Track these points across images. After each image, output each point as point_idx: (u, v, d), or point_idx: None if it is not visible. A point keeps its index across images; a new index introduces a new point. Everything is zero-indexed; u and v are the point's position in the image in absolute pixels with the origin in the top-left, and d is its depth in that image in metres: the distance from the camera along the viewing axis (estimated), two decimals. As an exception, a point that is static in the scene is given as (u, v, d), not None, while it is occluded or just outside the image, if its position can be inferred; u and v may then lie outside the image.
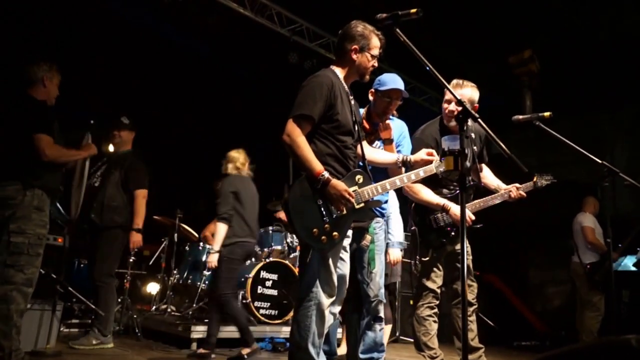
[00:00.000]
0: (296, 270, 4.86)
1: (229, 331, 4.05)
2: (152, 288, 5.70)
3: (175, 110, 7.13)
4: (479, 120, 1.77)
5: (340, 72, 2.44)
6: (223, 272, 3.72)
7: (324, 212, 2.21)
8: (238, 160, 4.02)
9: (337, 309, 2.41)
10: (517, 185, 3.19)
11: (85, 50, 5.81)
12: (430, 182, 3.00)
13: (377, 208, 2.93)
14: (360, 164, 2.50)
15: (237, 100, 7.14)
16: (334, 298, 2.31)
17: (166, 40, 6.33)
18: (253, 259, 5.11)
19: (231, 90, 6.99)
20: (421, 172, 2.56)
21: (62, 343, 3.70)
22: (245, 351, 3.61)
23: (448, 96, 2.98)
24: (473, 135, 3.02)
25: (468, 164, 2.72)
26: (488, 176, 3.36)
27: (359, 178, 2.34)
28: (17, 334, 2.68)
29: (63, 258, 3.74)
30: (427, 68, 1.88)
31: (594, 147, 2.82)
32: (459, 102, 1.80)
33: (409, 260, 5.93)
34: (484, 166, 3.34)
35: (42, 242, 2.82)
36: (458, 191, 3.07)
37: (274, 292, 4.67)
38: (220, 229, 3.71)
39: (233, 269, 3.80)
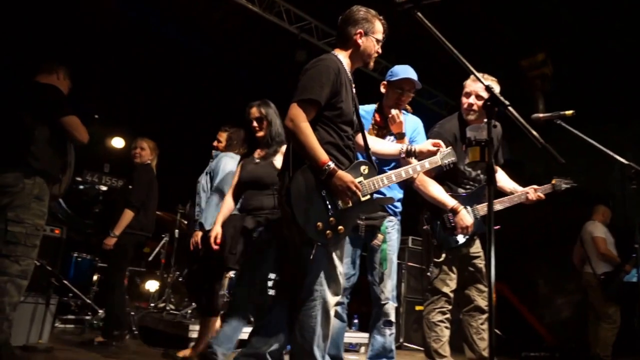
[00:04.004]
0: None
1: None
2: (151, 285, 5.57)
3: (178, 107, 7.06)
4: (510, 108, 1.63)
5: (344, 58, 2.30)
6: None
7: (329, 205, 2.06)
8: (155, 150, 4.10)
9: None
10: (535, 187, 3.07)
11: (88, 48, 5.76)
12: (446, 180, 2.88)
13: (390, 206, 2.81)
14: (363, 154, 2.37)
15: (240, 98, 7.06)
16: (340, 297, 2.17)
17: (171, 39, 6.28)
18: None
19: (235, 87, 6.91)
20: (427, 164, 2.45)
21: (57, 339, 3.58)
22: (98, 339, 3.71)
23: (468, 89, 2.87)
24: None
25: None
26: (503, 179, 3.23)
27: (364, 169, 2.21)
28: (8, 327, 2.56)
29: (60, 250, 3.63)
30: (453, 54, 1.75)
31: (603, 156, 2.70)
32: (487, 89, 1.67)
33: (415, 265, 5.85)
34: (498, 168, 3.21)
35: (40, 233, 2.72)
36: (473, 190, 2.95)
37: (274, 293, 4.51)
38: (129, 216, 3.74)
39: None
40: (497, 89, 2.83)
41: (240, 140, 3.77)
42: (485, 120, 1.68)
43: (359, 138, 2.41)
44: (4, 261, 2.56)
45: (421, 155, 2.48)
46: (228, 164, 3.57)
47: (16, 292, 2.58)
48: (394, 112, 2.75)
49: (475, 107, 2.84)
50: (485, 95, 2.78)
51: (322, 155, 2.04)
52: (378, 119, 2.91)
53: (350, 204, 2.10)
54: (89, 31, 5.66)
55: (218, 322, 3.46)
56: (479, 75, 2.80)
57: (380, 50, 2.35)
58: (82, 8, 5.47)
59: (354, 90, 2.32)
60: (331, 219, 2.06)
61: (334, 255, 2.12)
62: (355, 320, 5.37)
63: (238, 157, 3.69)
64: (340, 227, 2.07)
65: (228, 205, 3.04)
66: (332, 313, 2.11)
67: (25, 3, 5.22)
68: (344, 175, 2.05)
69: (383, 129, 2.88)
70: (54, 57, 3.08)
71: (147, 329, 4.30)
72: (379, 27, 2.34)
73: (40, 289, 3.27)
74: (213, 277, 3.51)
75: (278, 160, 2.91)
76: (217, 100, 6.97)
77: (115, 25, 5.76)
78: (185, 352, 3.44)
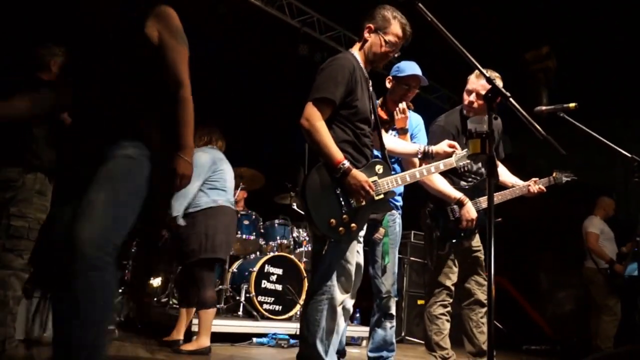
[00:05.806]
0: (302, 265, 4.75)
1: (230, 325, 3.97)
2: (155, 280, 5.61)
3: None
4: (511, 99, 1.63)
5: (359, 56, 2.32)
6: None
7: (343, 202, 2.10)
8: None
9: (350, 302, 2.28)
10: (536, 179, 3.08)
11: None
12: (449, 173, 2.88)
13: (391, 199, 2.81)
14: (379, 153, 2.39)
15: (244, 93, 7.06)
16: (349, 294, 2.19)
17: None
18: (258, 253, 5.01)
19: (236, 84, 6.91)
20: (441, 165, 2.47)
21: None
22: None
23: (470, 86, 2.86)
24: None
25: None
26: (503, 173, 3.24)
27: (379, 168, 2.24)
28: (12, 321, 2.59)
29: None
30: (455, 46, 1.74)
31: (605, 150, 2.69)
32: (489, 81, 1.67)
33: (417, 259, 5.86)
34: (499, 163, 3.21)
35: None
36: (475, 183, 2.95)
37: (279, 287, 4.55)
38: None
39: None
40: (499, 83, 2.83)
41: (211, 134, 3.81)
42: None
43: (376, 136, 2.42)
44: (8, 255, 2.57)
45: (437, 157, 2.50)
46: (200, 157, 3.58)
47: (20, 285, 2.60)
48: (401, 105, 2.77)
49: (475, 106, 2.85)
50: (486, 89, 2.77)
51: (337, 154, 2.07)
52: (382, 114, 2.92)
53: (364, 203, 2.13)
54: (89, 31, 5.65)
55: (213, 313, 3.50)
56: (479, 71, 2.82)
57: (390, 53, 2.31)
58: (82, 8, 5.46)
59: (370, 87, 2.33)
60: (344, 216, 2.09)
61: (346, 252, 2.14)
62: (357, 314, 5.40)
63: (213, 151, 3.72)
64: (353, 224, 2.11)
65: None
66: (339, 310, 2.13)
67: (25, 3, 5.22)
68: (358, 174, 2.09)
69: (386, 123, 2.90)
70: (55, 42, 3.03)
71: (150, 323, 4.34)
72: (394, 30, 2.28)
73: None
74: (201, 270, 3.50)
75: (151, 27, 1.74)
76: (217, 99, 6.96)
77: (116, 25, 5.75)
78: (171, 338, 3.59)
